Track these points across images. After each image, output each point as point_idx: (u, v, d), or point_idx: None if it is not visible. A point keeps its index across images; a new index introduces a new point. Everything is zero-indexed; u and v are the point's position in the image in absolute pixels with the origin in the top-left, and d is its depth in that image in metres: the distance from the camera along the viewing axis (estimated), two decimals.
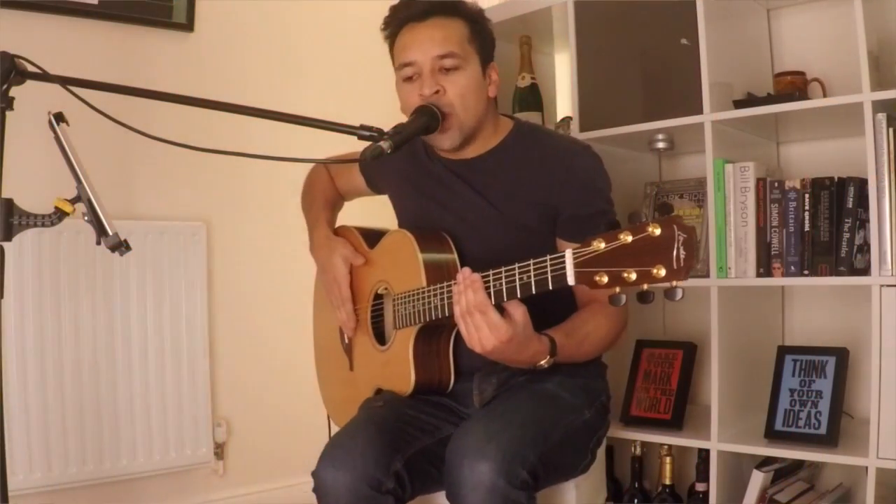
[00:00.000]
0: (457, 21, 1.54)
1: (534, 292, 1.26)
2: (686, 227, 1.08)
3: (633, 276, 1.10)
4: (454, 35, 1.52)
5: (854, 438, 1.84)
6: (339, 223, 1.87)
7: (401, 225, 1.75)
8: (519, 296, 1.28)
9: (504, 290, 1.29)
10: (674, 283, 1.08)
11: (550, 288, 1.23)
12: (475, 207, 1.59)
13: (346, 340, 1.77)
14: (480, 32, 1.58)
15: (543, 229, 1.57)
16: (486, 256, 1.54)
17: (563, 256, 1.20)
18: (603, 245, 1.14)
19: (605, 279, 1.14)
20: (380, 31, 1.59)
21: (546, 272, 1.23)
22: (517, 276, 1.27)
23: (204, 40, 2.37)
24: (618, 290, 1.13)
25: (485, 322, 1.29)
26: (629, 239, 1.11)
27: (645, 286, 1.10)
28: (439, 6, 1.54)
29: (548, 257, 1.23)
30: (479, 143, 1.60)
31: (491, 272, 1.31)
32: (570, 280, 1.19)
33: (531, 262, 1.25)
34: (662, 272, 1.08)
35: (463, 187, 1.61)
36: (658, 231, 1.09)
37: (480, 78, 1.56)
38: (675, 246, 1.07)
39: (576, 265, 1.18)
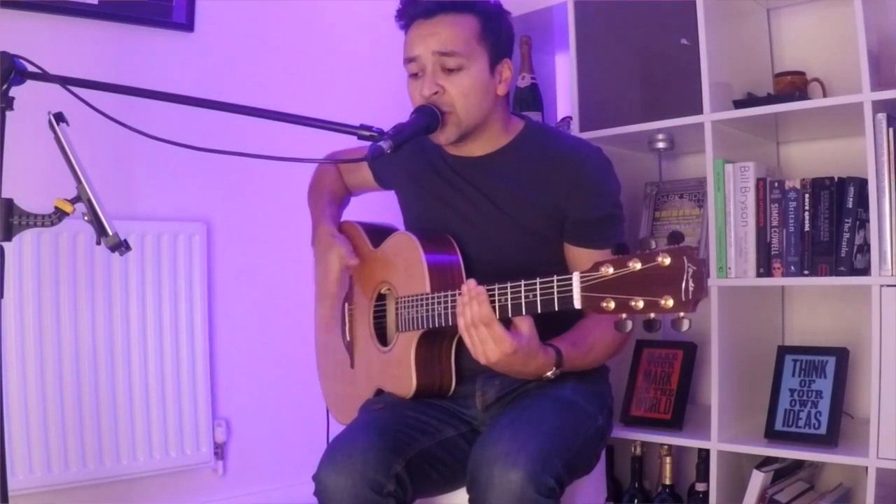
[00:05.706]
0: (467, 17, 1.50)
1: (539, 311, 1.26)
2: (696, 259, 1.07)
3: (641, 305, 1.10)
4: (461, 33, 1.49)
5: (854, 438, 1.84)
6: (345, 217, 1.86)
7: (406, 222, 1.74)
8: (524, 313, 1.28)
9: (509, 305, 1.28)
10: (681, 314, 1.08)
11: (556, 309, 1.22)
12: (481, 209, 1.57)
13: (348, 337, 1.76)
14: (494, 29, 1.53)
15: (550, 233, 1.55)
16: (491, 259, 1.54)
17: (571, 279, 1.19)
18: (611, 271, 1.14)
19: (612, 305, 1.13)
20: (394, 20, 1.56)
21: (552, 293, 1.22)
22: (523, 294, 1.27)
23: (204, 40, 2.37)
24: (624, 316, 1.13)
25: (489, 335, 1.29)
26: (638, 266, 1.11)
27: (652, 315, 1.10)
28: (449, 3, 1.50)
29: (555, 278, 1.22)
30: (487, 141, 1.58)
31: (496, 286, 1.30)
32: (577, 304, 1.19)
33: (538, 280, 1.24)
34: (670, 303, 1.07)
35: (469, 188, 1.59)
36: (668, 261, 1.08)
37: (486, 77, 1.51)
38: (685, 278, 1.06)
39: (583, 289, 1.18)
